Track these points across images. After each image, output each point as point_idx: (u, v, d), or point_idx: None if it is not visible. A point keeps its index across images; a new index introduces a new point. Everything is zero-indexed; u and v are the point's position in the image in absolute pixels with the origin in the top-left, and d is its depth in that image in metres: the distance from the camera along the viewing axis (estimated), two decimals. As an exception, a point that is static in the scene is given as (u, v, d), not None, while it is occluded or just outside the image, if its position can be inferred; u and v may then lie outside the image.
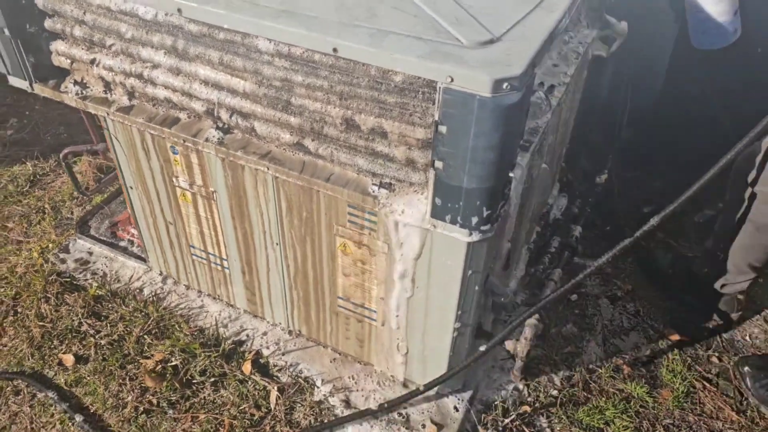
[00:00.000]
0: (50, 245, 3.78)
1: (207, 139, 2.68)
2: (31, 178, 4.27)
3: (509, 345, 2.88)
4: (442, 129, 2.08)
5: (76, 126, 4.80)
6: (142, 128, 2.81)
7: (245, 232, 2.98)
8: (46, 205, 4.05)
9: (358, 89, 2.24)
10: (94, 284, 3.53)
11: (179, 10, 2.34)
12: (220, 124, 2.70)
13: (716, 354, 3.58)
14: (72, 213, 4.04)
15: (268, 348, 3.27)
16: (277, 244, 2.92)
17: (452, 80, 1.96)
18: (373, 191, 2.45)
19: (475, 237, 2.32)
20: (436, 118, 2.08)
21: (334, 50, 2.12)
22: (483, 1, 2.31)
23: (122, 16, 2.59)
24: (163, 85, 2.72)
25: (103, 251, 3.70)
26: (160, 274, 3.58)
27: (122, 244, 3.75)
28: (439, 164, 2.18)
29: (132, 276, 3.57)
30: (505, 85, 1.93)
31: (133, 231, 3.74)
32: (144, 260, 3.61)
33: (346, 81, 2.24)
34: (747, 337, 3.64)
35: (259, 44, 2.31)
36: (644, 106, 4.23)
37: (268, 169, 2.59)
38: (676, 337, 3.66)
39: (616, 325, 3.69)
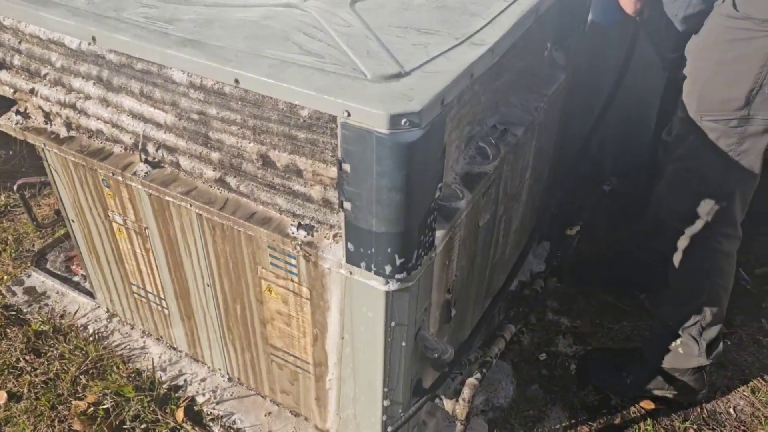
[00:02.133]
0: (5, 277, 3.71)
1: (135, 173, 2.58)
2: (2, 209, 4.24)
3: (448, 405, 2.65)
4: (346, 167, 1.93)
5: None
6: (76, 160, 2.73)
7: (179, 271, 2.84)
8: (9, 237, 4.01)
9: (270, 123, 2.12)
10: (39, 319, 3.43)
11: (93, 39, 2.27)
12: (149, 158, 2.60)
13: (694, 427, 3.26)
14: (34, 245, 3.98)
15: (204, 395, 3.09)
16: (208, 285, 2.77)
17: (349, 115, 1.82)
18: (292, 232, 2.30)
19: (393, 286, 2.14)
20: (339, 155, 1.93)
21: (236, 81, 2.00)
22: (412, 38, 2.18)
23: (52, 45, 2.54)
24: (94, 116, 2.64)
25: (55, 286, 3.61)
26: (107, 311, 3.47)
27: (75, 279, 3.66)
28: (347, 205, 2.02)
29: (78, 312, 3.46)
30: (403, 121, 1.78)
31: (86, 266, 3.65)
32: (93, 296, 3.50)
33: (257, 114, 2.12)
34: (731, 410, 3.32)
35: (174, 75, 2.22)
36: (633, 159, 4.02)
37: (191, 205, 2.47)
38: (650, 405, 3.36)
39: (586, 389, 3.41)
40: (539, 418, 3.24)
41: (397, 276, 2.10)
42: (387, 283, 2.14)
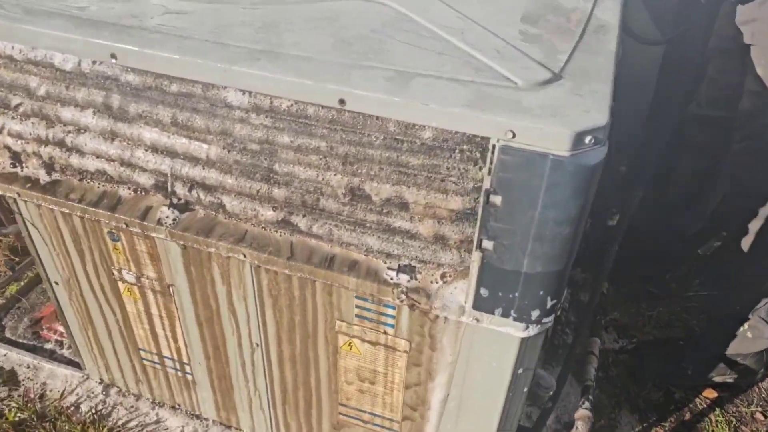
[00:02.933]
0: (-48, 356, 2.99)
1: (159, 221, 2.03)
2: (-74, 265, 3.44)
3: (558, 445, 2.33)
4: (495, 200, 1.54)
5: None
6: (68, 211, 2.14)
7: (214, 333, 2.32)
8: (-55, 302, 3.24)
9: (370, 150, 1.67)
10: (14, 406, 2.77)
11: (113, 57, 1.70)
12: (176, 200, 2.06)
13: (759, 409, 3.15)
14: (-20, 309, 3.24)
15: (248, 469, 2.60)
16: (257, 344, 2.28)
17: (514, 136, 1.42)
18: (390, 277, 1.86)
19: (533, 331, 1.78)
20: (488, 186, 1.53)
21: (341, 102, 1.54)
22: (523, 28, 1.79)
23: (31, 66, 1.93)
24: (93, 153, 2.06)
25: (23, 359, 2.94)
26: (101, 382, 2.86)
27: (48, 346, 3.01)
28: (488, 244, 1.63)
29: (64, 388, 2.82)
30: (588, 138, 1.41)
31: (61, 329, 3.00)
32: (79, 366, 2.87)
33: (352, 140, 1.67)
34: (789, 386, 3.24)
35: (229, 97, 1.71)
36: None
37: (245, 255, 1.97)
38: (713, 394, 3.23)
39: (647, 386, 3.22)
40: (612, 427, 3.01)
41: (544, 320, 1.74)
42: (527, 328, 1.77)
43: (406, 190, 1.72)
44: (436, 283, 1.87)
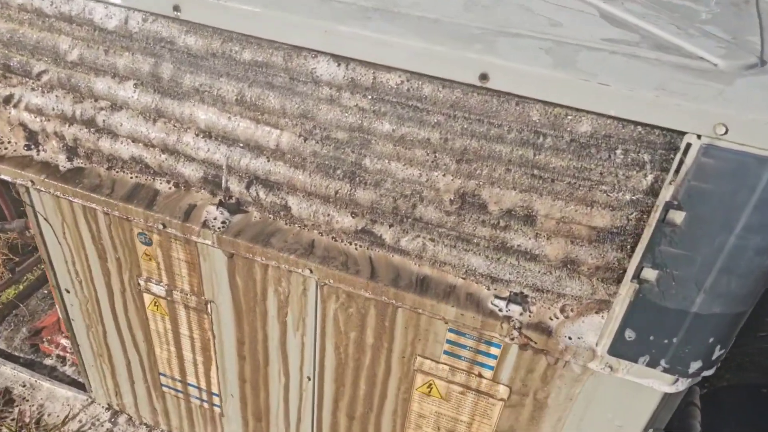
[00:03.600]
0: (-64, 367, 2.57)
1: (205, 224, 1.65)
2: None
3: None
4: (676, 216, 1.17)
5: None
6: (92, 205, 1.75)
7: (257, 361, 1.93)
8: (-68, 305, 2.83)
9: (498, 145, 1.30)
10: (5, 430, 2.35)
11: (176, 9, 1.33)
12: (226, 199, 1.68)
13: None
14: (-29, 315, 2.83)
15: None
16: (308, 378, 1.88)
17: (726, 131, 1.05)
18: (499, 308, 1.49)
19: (682, 386, 1.41)
20: (669, 197, 1.16)
21: (482, 78, 1.17)
22: (670, 5, 1.43)
23: (64, 24, 1.56)
24: (129, 136, 1.68)
25: (19, 375, 2.53)
26: (108, 408, 2.45)
27: (48, 362, 2.59)
28: (650, 274, 1.26)
29: (66, 413, 2.41)
30: (825, 139, 1.04)
31: (64, 343, 2.59)
32: (83, 388, 2.46)
33: (477, 132, 1.30)
34: None
35: (319, 68, 1.34)
36: None
37: (311, 271, 1.59)
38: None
39: None
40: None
41: (704, 373, 1.37)
42: (676, 382, 1.40)
43: (538, 199, 1.35)
44: (556, 318, 1.50)
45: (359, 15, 1.24)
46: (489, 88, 1.18)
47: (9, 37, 1.62)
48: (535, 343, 1.48)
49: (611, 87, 1.08)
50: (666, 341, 1.33)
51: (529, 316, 1.49)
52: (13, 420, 2.40)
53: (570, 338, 1.45)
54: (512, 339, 1.49)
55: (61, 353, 2.59)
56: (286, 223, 1.68)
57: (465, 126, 1.31)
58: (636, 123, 1.17)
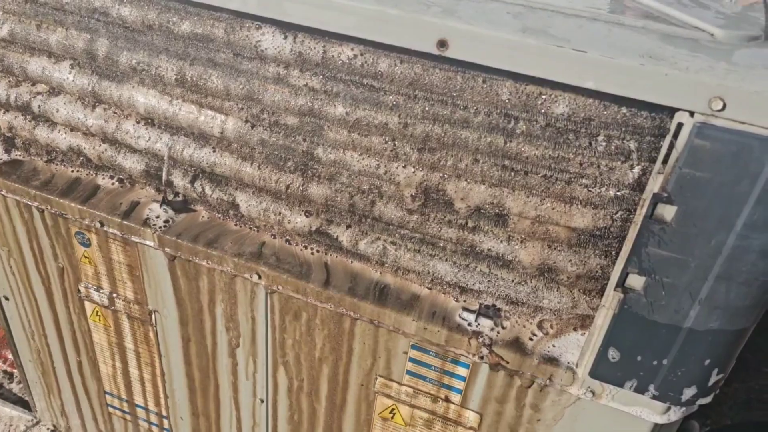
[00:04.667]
0: None
1: (146, 222, 1.48)
2: None
3: None
4: (666, 212, 0.99)
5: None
6: (27, 201, 1.58)
7: (207, 380, 1.74)
8: None
9: (464, 131, 1.14)
10: (-61, 453, 2.16)
11: (104, -30, 1.18)
12: (171, 195, 1.51)
13: None
14: None
15: None
16: (261, 400, 1.69)
17: (724, 107, 0.88)
18: (468, 322, 1.30)
19: (674, 416, 1.22)
20: (657, 189, 0.99)
21: (441, 45, 1.01)
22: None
23: (-7, -5, 1.41)
24: (66, 124, 1.52)
25: (-40, 391, 2.33)
26: (53, 429, 2.24)
27: (-6, 378, 2.40)
28: (636, 282, 1.08)
29: (6, 434, 2.22)
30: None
31: (10, 356, 2.40)
32: (28, 407, 2.26)
33: (440, 115, 1.13)
34: None
35: (264, 42, 1.19)
36: None
37: (260, 276, 1.41)
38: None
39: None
40: None
41: (699, 401, 1.18)
42: (667, 411, 1.21)
43: (509, 194, 1.18)
44: (532, 335, 1.31)
45: (305, -24, 1.08)
46: (448, 58, 1.02)
47: (-63, 11, 1.48)
48: (507, 362, 1.29)
49: (588, 54, 0.92)
50: (655, 362, 1.15)
51: (501, 332, 1.31)
52: (-52, 440, 2.21)
53: (547, 358, 1.26)
54: (481, 358, 1.31)
55: (9, 369, 2.40)
56: (236, 224, 1.51)
57: (426, 108, 1.15)
58: (619, 102, 1.01)
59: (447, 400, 1.44)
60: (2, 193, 1.62)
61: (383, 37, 1.03)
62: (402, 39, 1.02)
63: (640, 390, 1.19)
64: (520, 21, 0.98)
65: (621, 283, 1.10)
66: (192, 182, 1.46)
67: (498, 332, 1.31)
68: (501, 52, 0.98)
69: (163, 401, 1.89)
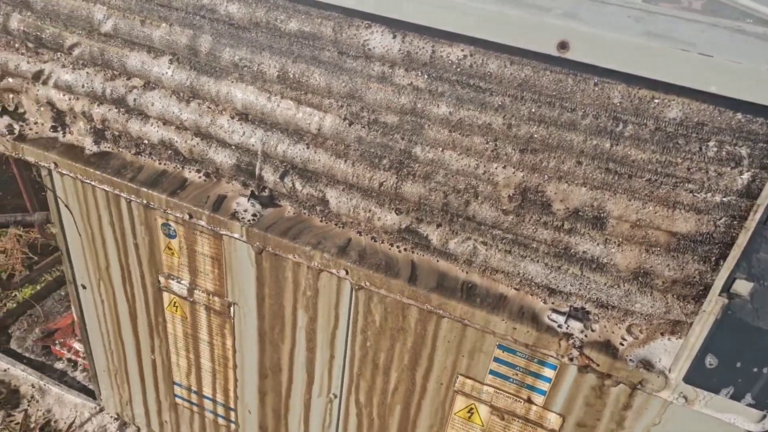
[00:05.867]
0: (-56, 364, 2.45)
1: (234, 216, 1.52)
2: (-71, 255, 2.95)
3: None
4: (782, 218, 0.99)
5: (6, 185, 3.52)
6: (115, 191, 1.63)
7: (279, 374, 1.77)
8: (-54, 299, 2.73)
9: (570, 133, 1.15)
10: (8, 435, 2.21)
11: (221, -32, 1.22)
12: (259, 190, 1.55)
13: None
14: (-15, 312, 2.72)
15: None
16: (334, 396, 1.71)
17: None
18: (556, 323, 1.31)
19: (769, 424, 1.21)
20: (775, 194, 0.99)
21: (561, 46, 1.02)
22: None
23: (100, -9, 1.46)
24: (160, 118, 1.57)
25: (28, 377, 2.40)
26: (116, 418, 2.29)
27: (59, 366, 2.46)
28: (743, 287, 1.08)
29: (73, 420, 2.27)
30: None
31: (77, 346, 2.46)
32: (92, 395, 2.32)
33: (546, 117, 1.15)
34: None
35: (372, 41, 1.21)
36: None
37: (347, 272, 1.44)
38: None
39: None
40: None
41: (800, 410, 1.17)
42: (762, 419, 1.20)
43: (611, 197, 1.19)
44: (622, 338, 1.32)
45: (421, -22, 1.11)
46: (567, 59, 1.04)
47: (42, 6, 1.53)
48: (597, 365, 1.30)
49: (714, 58, 0.93)
50: (755, 370, 1.14)
51: (591, 335, 1.32)
52: (17, 424, 2.26)
53: (638, 362, 1.27)
54: (571, 359, 1.31)
55: (73, 357, 2.46)
56: (322, 220, 1.54)
57: (533, 110, 1.16)
58: (735, 108, 1.01)
59: (529, 401, 1.44)
60: (92, 183, 1.67)
61: (502, 37, 1.05)
62: (522, 40, 1.04)
63: (737, 397, 1.19)
64: (642, 25, 1.00)
65: (726, 289, 1.10)
66: (282, 177, 1.49)
67: (587, 335, 1.32)
68: (623, 54, 0.99)
69: (232, 393, 1.92)
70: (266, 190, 1.56)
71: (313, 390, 1.75)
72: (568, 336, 1.31)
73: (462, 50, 1.16)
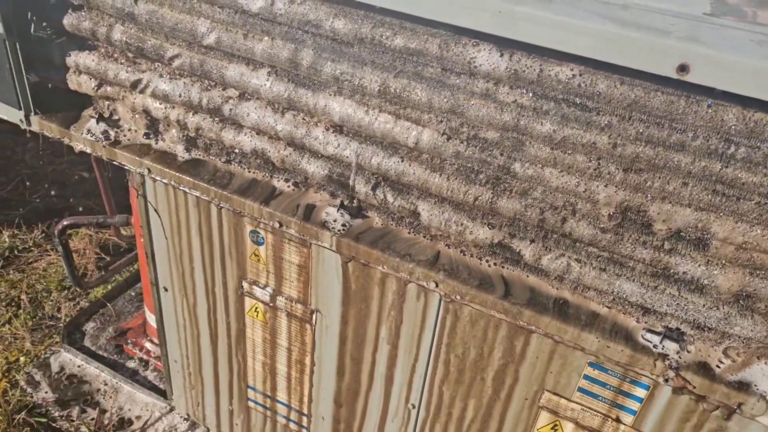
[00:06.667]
0: (22, 358, 2.55)
1: (324, 225, 1.55)
2: (6, 253, 3.07)
3: None
4: None
5: (74, 187, 3.66)
6: (207, 198, 1.68)
7: (358, 380, 1.79)
8: (23, 296, 2.84)
9: (677, 154, 1.15)
10: (85, 431, 2.28)
11: (334, -14, 1.26)
12: (350, 201, 1.58)
13: None
14: (59, 310, 2.82)
15: None
16: (413, 407, 1.73)
17: None
18: (651, 343, 1.31)
19: None
20: None
21: (681, 69, 1.03)
22: None
23: (206, 5, 1.51)
24: (254, 128, 1.61)
25: (101, 375, 2.48)
26: (186, 419, 2.35)
27: (131, 364, 2.53)
28: None
29: (144, 419, 2.33)
30: None
31: (148, 346, 2.53)
32: (164, 394, 2.38)
33: (653, 138, 1.15)
34: None
35: (478, 58, 1.23)
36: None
37: (437, 284, 1.45)
38: None
39: None
40: None
41: None
42: None
43: (716, 219, 1.18)
44: (720, 362, 1.31)
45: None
46: (686, 82, 1.04)
47: (147, 18, 1.59)
48: (694, 387, 1.29)
49: None
50: None
51: (686, 356, 1.31)
52: (92, 420, 2.33)
53: (737, 385, 1.26)
54: (666, 380, 1.31)
55: (145, 357, 2.53)
56: (410, 232, 1.56)
57: (641, 130, 1.17)
58: None
59: (618, 420, 1.44)
60: (184, 189, 1.72)
61: (619, 59, 1.06)
62: (640, 62, 1.05)
63: None
64: (765, 48, 1.00)
65: (842, 315, 1.09)
66: (374, 189, 1.52)
67: (682, 356, 1.31)
68: (745, 77, 0.99)
69: (306, 399, 1.95)
70: (355, 201, 1.59)
71: (391, 399, 1.77)
72: (664, 356, 1.30)
73: (571, 69, 1.17)
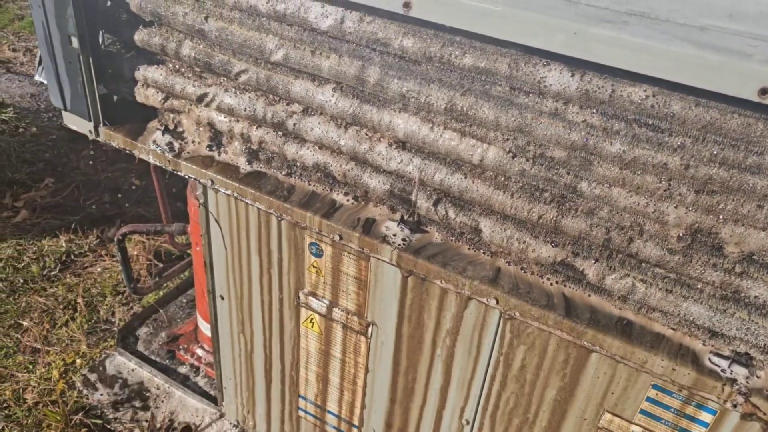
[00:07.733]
0: (78, 360, 2.62)
1: (385, 239, 1.57)
2: (63, 257, 3.16)
3: None
4: None
5: (127, 194, 3.75)
6: (269, 210, 1.71)
7: (411, 394, 1.80)
8: (79, 300, 2.92)
9: (753, 177, 1.14)
10: (138, 434, 2.33)
11: (406, 6, 1.28)
12: (411, 216, 1.59)
13: None
14: (113, 314, 2.89)
15: None
16: (467, 423, 1.73)
17: None
18: (719, 367, 1.29)
19: None
20: None
21: (763, 92, 1.02)
22: None
23: (275, 23, 1.55)
24: (317, 142, 1.64)
25: (153, 379, 2.53)
26: (236, 425, 2.38)
27: (182, 370, 2.58)
28: None
29: (196, 423, 2.37)
30: None
31: (199, 353, 2.58)
32: (214, 401, 2.42)
33: (728, 159, 1.14)
34: None
35: (548, 78, 1.24)
36: None
37: (497, 301, 1.46)
38: None
39: None
40: None
41: None
42: None
43: (792, 243, 1.17)
44: (790, 387, 1.28)
45: (614, 18, 1.13)
46: (765, 105, 1.03)
47: (216, 35, 1.64)
48: (765, 413, 1.26)
49: None
50: None
51: (755, 381, 1.28)
52: (146, 421, 2.38)
53: (810, 414, 1.23)
54: (734, 405, 1.28)
55: (196, 363, 2.58)
56: (470, 248, 1.57)
57: (715, 152, 1.16)
58: None
59: (681, 443, 1.42)
60: (246, 200, 1.76)
61: (698, 81, 1.05)
62: (719, 85, 1.04)
63: None
64: None
65: None
66: (435, 205, 1.53)
67: (751, 381, 1.29)
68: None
69: (358, 411, 1.97)
70: (415, 216, 1.60)
71: (445, 413, 1.77)
72: (733, 381, 1.28)
73: (644, 90, 1.17)
